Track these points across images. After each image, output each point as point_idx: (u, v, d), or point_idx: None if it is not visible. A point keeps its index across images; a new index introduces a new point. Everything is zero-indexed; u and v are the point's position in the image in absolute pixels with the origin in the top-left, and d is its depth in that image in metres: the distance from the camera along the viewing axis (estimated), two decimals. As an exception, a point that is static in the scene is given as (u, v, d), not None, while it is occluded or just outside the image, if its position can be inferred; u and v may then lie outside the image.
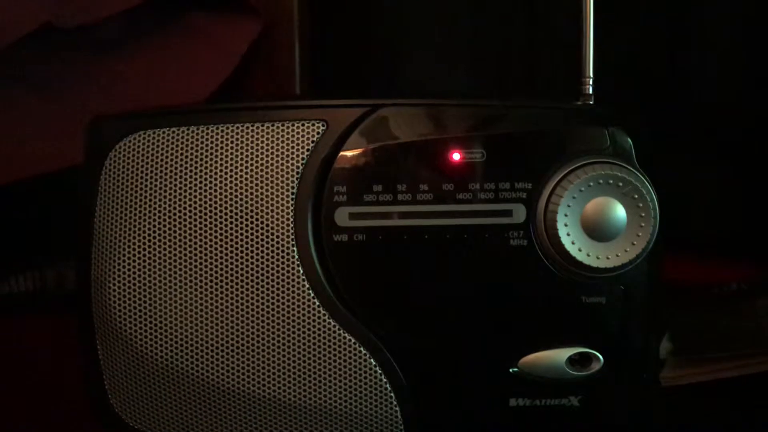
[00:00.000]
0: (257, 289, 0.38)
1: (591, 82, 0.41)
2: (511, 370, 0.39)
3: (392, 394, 0.39)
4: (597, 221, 0.37)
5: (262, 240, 0.38)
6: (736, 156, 0.67)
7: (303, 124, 0.38)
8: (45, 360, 0.51)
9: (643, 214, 0.38)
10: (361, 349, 0.38)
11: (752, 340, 0.52)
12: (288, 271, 0.38)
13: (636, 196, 0.37)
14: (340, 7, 0.72)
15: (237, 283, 0.38)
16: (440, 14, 0.70)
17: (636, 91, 0.66)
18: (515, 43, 0.69)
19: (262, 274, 0.38)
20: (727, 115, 0.67)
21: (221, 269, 0.38)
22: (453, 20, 0.70)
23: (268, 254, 0.38)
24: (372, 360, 0.38)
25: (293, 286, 0.38)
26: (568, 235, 0.37)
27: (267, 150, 0.38)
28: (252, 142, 0.38)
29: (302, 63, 0.67)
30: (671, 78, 0.67)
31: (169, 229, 0.38)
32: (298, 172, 0.38)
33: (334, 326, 0.38)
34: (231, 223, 0.38)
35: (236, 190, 0.38)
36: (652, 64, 0.67)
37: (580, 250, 0.38)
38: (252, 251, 0.38)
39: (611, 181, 0.37)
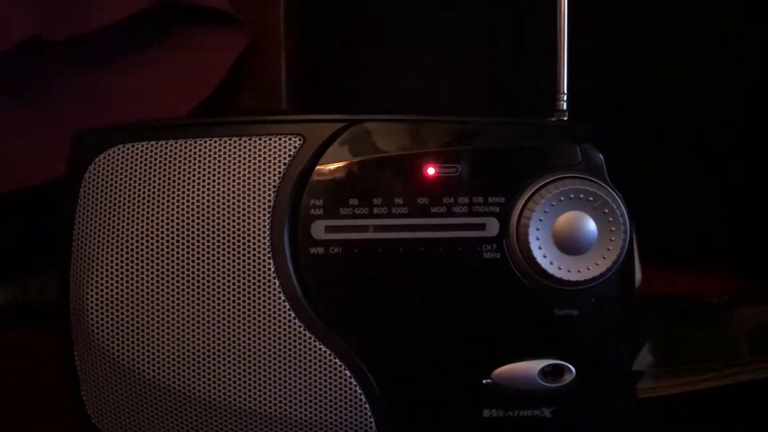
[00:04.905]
0: (234, 301, 0.38)
1: (565, 98, 0.42)
2: (484, 382, 0.39)
3: (367, 405, 0.39)
4: (568, 235, 0.38)
5: (239, 253, 0.38)
6: (718, 168, 0.67)
7: (280, 139, 0.39)
8: (27, 371, 0.51)
9: (614, 228, 0.38)
10: (336, 360, 0.39)
11: (729, 352, 0.52)
12: (264, 284, 0.38)
13: (606, 211, 0.38)
14: (327, 23, 0.72)
15: (214, 295, 0.38)
16: (427, 30, 0.70)
17: (616, 102, 0.66)
18: (501, 59, 0.70)
19: (239, 287, 0.38)
20: (713, 128, 0.67)
21: (198, 281, 0.38)
22: (440, 37, 0.70)
23: (244, 267, 0.38)
24: (347, 371, 0.39)
25: (270, 298, 0.38)
26: (540, 248, 0.38)
27: (244, 164, 0.39)
28: (229, 156, 0.39)
29: (288, 79, 0.67)
30: (651, 88, 0.67)
31: (147, 241, 0.39)
32: (274, 186, 0.38)
33: (310, 338, 0.38)
34: (208, 235, 0.38)
35: (213, 204, 0.38)
36: (632, 75, 0.67)
37: (551, 263, 0.38)
38: (229, 264, 0.38)
39: (582, 196, 0.38)
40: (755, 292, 0.62)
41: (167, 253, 0.39)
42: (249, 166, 0.39)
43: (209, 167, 0.39)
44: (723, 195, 0.67)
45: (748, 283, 0.64)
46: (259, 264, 0.38)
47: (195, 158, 0.39)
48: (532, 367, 0.39)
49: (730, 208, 0.67)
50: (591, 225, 0.38)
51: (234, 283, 0.38)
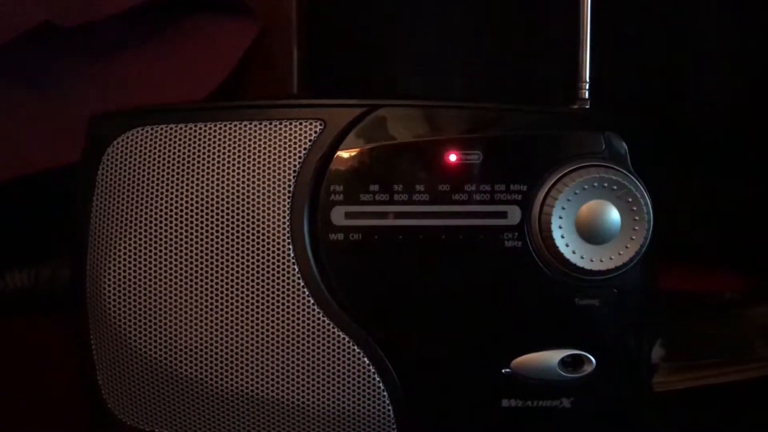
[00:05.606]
0: (252, 287, 0.38)
1: (587, 86, 0.41)
2: (503, 371, 0.39)
3: (385, 393, 0.38)
4: (591, 224, 0.37)
5: (258, 238, 0.38)
6: (733, 165, 0.67)
7: (301, 123, 0.38)
8: (38, 357, 0.50)
9: (637, 218, 0.38)
10: (355, 347, 0.38)
11: (742, 347, 0.52)
12: (283, 270, 0.38)
13: (630, 200, 0.38)
14: (337, 11, 0.72)
15: (232, 281, 0.38)
16: (437, 19, 0.70)
17: (632, 99, 0.66)
18: (512, 50, 0.69)
19: (258, 272, 0.38)
20: (724, 125, 0.67)
21: (216, 266, 0.38)
22: (450, 25, 0.70)
23: (263, 252, 0.38)
24: (365, 359, 0.38)
25: (288, 284, 0.38)
26: (563, 237, 0.38)
27: (264, 148, 0.38)
28: (249, 140, 0.38)
29: (300, 67, 0.67)
30: (667, 86, 0.67)
31: (165, 225, 0.38)
32: (294, 171, 0.38)
33: (328, 324, 0.38)
34: (227, 220, 0.38)
35: (233, 188, 0.38)
36: (648, 71, 0.67)
37: (574, 252, 0.38)
38: (248, 249, 0.38)
39: (606, 185, 0.37)
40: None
41: (185, 237, 0.38)
42: (269, 151, 0.38)
43: (229, 151, 0.38)
44: (734, 193, 0.67)
45: (759, 281, 0.63)
46: (278, 250, 0.38)
47: (214, 142, 0.38)
48: (552, 357, 0.39)
49: (741, 208, 0.67)
50: (614, 214, 0.37)
51: (253, 269, 0.38)
